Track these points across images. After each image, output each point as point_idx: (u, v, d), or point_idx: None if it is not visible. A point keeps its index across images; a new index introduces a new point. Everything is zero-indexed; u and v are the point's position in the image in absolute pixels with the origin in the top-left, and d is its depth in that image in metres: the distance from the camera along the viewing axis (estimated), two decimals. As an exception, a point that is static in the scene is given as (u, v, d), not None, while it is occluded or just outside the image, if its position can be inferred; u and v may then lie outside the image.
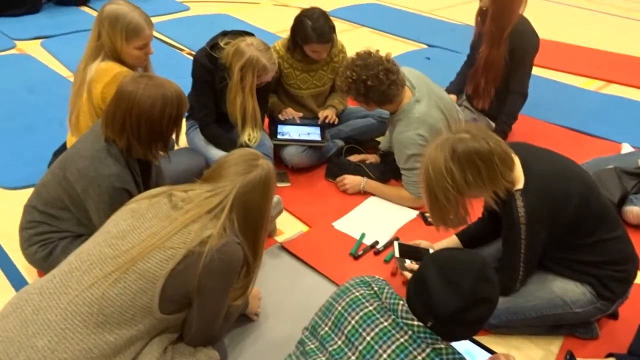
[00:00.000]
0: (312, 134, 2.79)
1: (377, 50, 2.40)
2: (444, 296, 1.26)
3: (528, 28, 2.95)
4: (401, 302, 1.34)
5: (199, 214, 1.43)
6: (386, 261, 2.23)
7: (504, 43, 2.89)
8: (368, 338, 1.30)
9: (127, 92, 1.70)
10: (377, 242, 2.32)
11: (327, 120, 2.80)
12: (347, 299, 1.39)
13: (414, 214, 2.53)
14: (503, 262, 1.82)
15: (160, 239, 1.38)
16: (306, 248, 2.26)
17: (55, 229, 1.88)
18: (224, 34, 2.60)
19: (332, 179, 2.73)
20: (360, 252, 2.25)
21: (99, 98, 2.11)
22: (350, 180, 2.64)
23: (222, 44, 2.51)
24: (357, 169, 2.69)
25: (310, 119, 2.93)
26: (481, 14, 3.07)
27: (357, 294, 1.39)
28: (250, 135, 2.58)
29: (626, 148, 3.10)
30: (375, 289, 1.38)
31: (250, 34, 2.65)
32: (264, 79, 2.50)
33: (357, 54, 2.40)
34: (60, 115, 3.19)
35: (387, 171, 2.74)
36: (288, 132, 2.79)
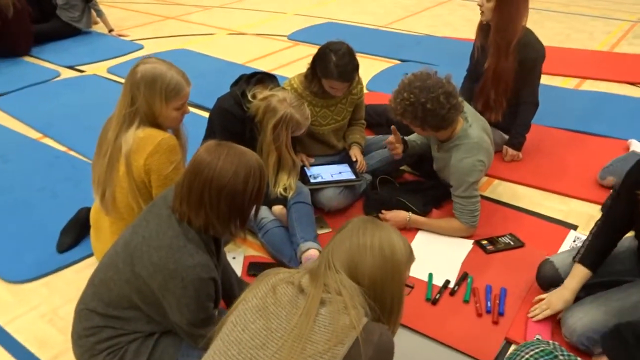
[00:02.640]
0: (344, 172, 2.65)
1: (435, 72, 2.29)
2: None
3: (533, 38, 2.96)
4: None
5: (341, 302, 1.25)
6: (466, 301, 2.11)
7: (511, 54, 2.88)
8: None
9: (206, 163, 1.50)
10: (448, 282, 2.20)
11: (358, 167, 2.67)
12: None
13: (470, 243, 2.43)
14: None
15: (307, 341, 1.20)
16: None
17: (122, 332, 1.63)
18: (247, 80, 2.42)
19: (372, 215, 2.59)
20: (437, 296, 2.12)
21: (141, 171, 1.87)
22: (393, 216, 2.51)
23: (249, 94, 2.33)
24: (398, 203, 2.57)
25: (329, 156, 2.80)
26: (482, 28, 3.06)
27: None
28: (286, 185, 2.41)
29: (635, 145, 3.17)
30: (562, 358, 1.26)
31: (272, 76, 2.48)
32: (297, 134, 2.35)
33: (415, 74, 2.29)
34: (48, 183, 2.89)
35: (429, 202, 2.65)
36: (319, 174, 2.63)
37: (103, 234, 2.07)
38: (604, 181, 2.85)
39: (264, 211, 2.41)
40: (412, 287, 2.08)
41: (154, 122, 1.91)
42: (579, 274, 1.93)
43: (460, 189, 2.38)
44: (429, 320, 2.03)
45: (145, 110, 1.87)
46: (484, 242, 2.43)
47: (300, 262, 2.22)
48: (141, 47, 5.22)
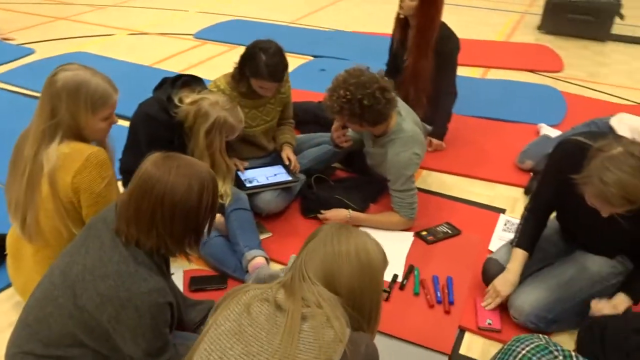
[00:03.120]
0: (279, 174, 2.57)
1: (368, 68, 2.28)
2: None
3: (449, 31, 3.04)
4: None
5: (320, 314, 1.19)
6: (416, 294, 2.13)
7: (430, 52, 2.95)
8: None
9: (156, 178, 1.37)
10: (396, 276, 2.20)
11: (292, 167, 2.60)
12: None
13: (410, 236, 2.46)
14: None
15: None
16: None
17: None
18: (172, 84, 2.26)
19: (311, 216, 2.55)
20: (388, 291, 2.12)
21: (69, 190, 1.68)
22: (334, 215, 2.48)
23: (176, 99, 2.18)
24: (336, 202, 2.54)
25: (260, 158, 2.72)
26: (400, 22, 3.10)
27: None
28: (222, 192, 2.29)
29: (545, 129, 3.37)
30: (560, 357, 1.28)
31: (198, 79, 2.35)
32: (231, 138, 2.24)
33: (348, 71, 2.26)
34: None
35: (366, 198, 2.65)
36: (254, 177, 2.53)
37: (24, 264, 1.85)
38: (523, 165, 3.00)
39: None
40: (388, 292, 2.07)
41: (78, 135, 1.73)
42: (518, 257, 2.02)
43: (398, 182, 2.39)
44: (383, 316, 1.99)
45: (68, 122, 1.69)
46: (424, 233, 2.46)
47: (247, 272, 2.13)
48: (32, 52, 4.78)
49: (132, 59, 4.60)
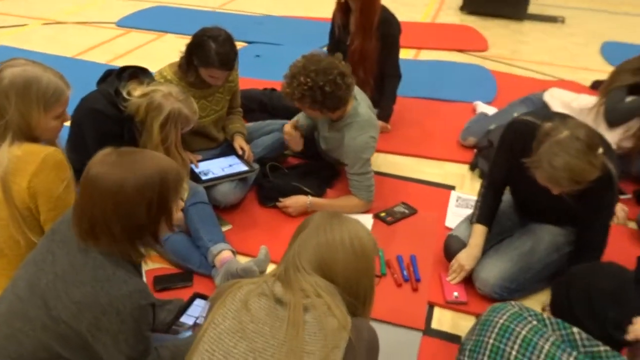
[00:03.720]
0: (234, 164, 2.52)
1: (325, 53, 2.27)
2: None
3: (389, 14, 3.09)
4: (575, 330, 1.33)
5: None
6: (383, 274, 2.17)
7: (374, 34, 2.99)
8: None
9: (91, 177, 1.30)
10: (362, 258, 2.23)
11: (246, 157, 2.55)
12: (518, 341, 1.33)
13: (370, 218, 2.49)
14: (596, 239, 1.92)
15: (301, 353, 1.12)
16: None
17: None
18: (118, 76, 2.14)
19: (270, 205, 2.52)
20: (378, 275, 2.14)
21: (25, 195, 1.56)
22: (293, 202, 2.47)
23: (124, 91, 2.07)
24: (294, 189, 2.53)
25: (211, 150, 2.65)
26: (341, 7, 3.10)
27: (524, 332, 1.35)
28: (179, 186, 2.21)
29: (481, 106, 3.51)
30: (534, 322, 1.34)
31: (145, 70, 2.24)
32: (186, 130, 2.16)
33: (306, 57, 2.24)
34: None
35: (322, 183, 2.65)
36: (209, 170, 2.46)
37: (-25, 277, 1.70)
38: (465, 142, 3.11)
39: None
40: (379, 277, 2.08)
41: (29, 135, 1.60)
42: (478, 232, 2.11)
43: (356, 166, 2.42)
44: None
45: (18, 122, 1.56)
46: (382, 214, 2.51)
47: (214, 267, 2.07)
48: None
49: (51, 50, 4.30)
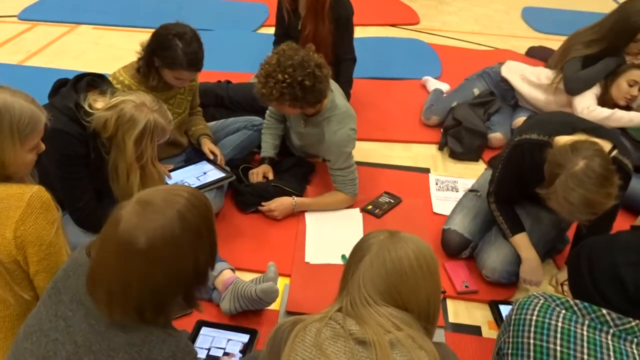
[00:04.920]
0: (209, 171, 2.32)
1: (296, 46, 2.12)
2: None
3: None
4: (604, 312, 1.32)
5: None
6: (388, 271, 2.10)
7: (327, 17, 2.86)
8: None
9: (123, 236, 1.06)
10: (363, 258, 2.15)
11: (218, 161, 2.36)
12: (558, 335, 1.29)
13: (357, 212, 2.41)
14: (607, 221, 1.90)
15: None
16: (314, 299, 1.95)
17: None
18: (73, 87, 1.87)
19: (251, 210, 2.36)
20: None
21: (11, 248, 1.30)
22: (278, 205, 2.32)
23: (86, 105, 1.81)
24: (275, 191, 2.38)
25: (176, 157, 2.43)
26: (290, -8, 2.94)
27: (560, 324, 1.31)
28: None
29: (431, 82, 3.49)
30: (564, 311, 1.31)
31: (102, 77, 1.98)
32: (162, 141, 1.93)
33: (278, 52, 2.08)
34: None
35: (301, 180, 2.52)
36: (184, 181, 2.25)
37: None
38: (429, 121, 3.09)
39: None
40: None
41: (2, 174, 1.34)
42: (521, 242, 2.02)
43: (340, 161, 2.31)
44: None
45: (-10, 161, 1.29)
46: (369, 207, 2.43)
47: (214, 289, 1.90)
48: None
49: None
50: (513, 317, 1.44)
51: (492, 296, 2.02)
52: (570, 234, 2.15)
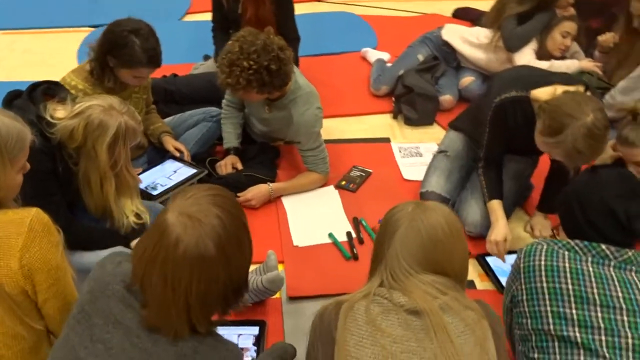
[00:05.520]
0: (179, 169, 2.25)
1: (254, 29, 2.07)
2: None
3: None
4: (603, 247, 1.42)
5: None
6: (377, 243, 2.14)
7: None
8: (620, 295, 1.35)
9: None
10: (350, 233, 2.18)
11: (185, 157, 2.29)
12: (568, 275, 1.39)
13: (332, 189, 2.43)
14: None
15: (460, 356, 1.07)
16: (313, 281, 1.96)
17: None
18: (29, 98, 1.73)
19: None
20: (354, 251, 2.09)
21: (18, 278, 1.20)
22: (256, 194, 2.29)
23: (47, 115, 1.68)
24: (248, 180, 2.34)
25: (139, 158, 2.33)
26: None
27: (567, 265, 1.40)
28: (135, 210, 1.91)
29: (371, 53, 3.53)
30: (567, 252, 1.40)
31: (56, 84, 1.85)
32: (133, 144, 1.85)
33: (238, 40, 2.04)
34: None
35: (270, 166, 2.49)
36: (155, 182, 2.17)
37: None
38: (379, 92, 3.14)
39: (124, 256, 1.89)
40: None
41: (-8, 198, 1.24)
42: (496, 207, 2.07)
43: (310, 141, 2.31)
44: (362, 276, 1.98)
45: (-19, 187, 1.18)
46: (343, 183, 2.45)
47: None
48: None
49: None
50: (522, 265, 1.51)
51: (477, 250, 2.11)
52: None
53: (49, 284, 1.26)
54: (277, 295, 1.92)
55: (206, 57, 3.33)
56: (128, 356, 1.06)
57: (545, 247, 1.50)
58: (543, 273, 1.43)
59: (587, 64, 2.86)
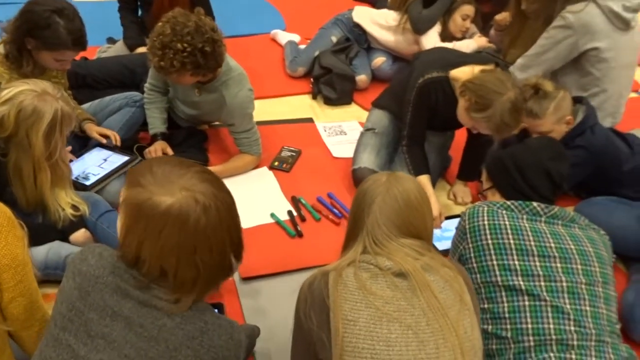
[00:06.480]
0: (110, 157, 2.15)
1: (183, 10, 2.02)
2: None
3: None
4: (535, 204, 1.60)
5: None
6: (318, 219, 2.21)
7: None
8: (553, 245, 1.54)
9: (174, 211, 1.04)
10: (291, 212, 2.22)
11: (116, 142, 2.18)
12: (509, 231, 1.55)
13: (267, 171, 2.45)
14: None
15: (448, 310, 1.18)
16: (263, 261, 1.99)
17: None
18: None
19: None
20: (297, 228, 2.14)
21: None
22: (192, 178, 2.25)
23: None
24: (181, 165, 2.29)
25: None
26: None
27: (507, 222, 1.57)
28: (71, 201, 1.82)
29: (282, 35, 3.56)
30: (504, 211, 1.57)
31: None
32: (68, 131, 1.74)
33: (170, 21, 1.97)
34: None
35: (201, 150, 2.46)
36: (86, 171, 2.05)
37: None
38: (296, 73, 3.19)
39: (62, 249, 1.79)
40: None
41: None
42: (425, 183, 2.20)
43: (244, 123, 2.31)
44: (309, 252, 2.06)
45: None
46: (276, 163, 2.49)
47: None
48: None
49: None
50: (467, 226, 1.66)
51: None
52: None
53: (16, 281, 1.18)
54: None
55: (110, 40, 3.15)
56: (135, 347, 1.04)
57: (486, 208, 1.65)
58: (487, 231, 1.58)
59: (481, 41, 3.11)
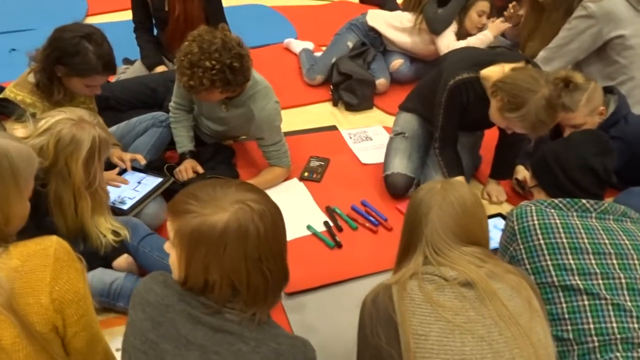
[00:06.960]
0: (144, 179, 2.14)
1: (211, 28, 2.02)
2: None
3: None
4: (584, 201, 1.58)
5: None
6: (355, 228, 2.19)
7: None
8: (606, 241, 1.51)
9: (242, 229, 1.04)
10: (327, 223, 2.20)
11: (127, 167, 2.16)
12: (561, 230, 1.52)
13: (298, 182, 2.43)
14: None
15: (518, 318, 1.15)
16: (305, 274, 1.97)
17: None
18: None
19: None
20: (336, 239, 2.12)
21: (50, 313, 1.09)
22: (224, 196, 2.24)
23: None
24: (213, 182, 2.28)
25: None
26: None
27: (558, 221, 1.54)
28: (112, 227, 1.80)
29: (295, 44, 3.54)
30: (553, 210, 1.54)
31: (7, 101, 1.70)
32: (105, 157, 1.74)
33: (195, 39, 1.96)
34: None
35: (230, 165, 2.44)
36: (122, 196, 2.04)
37: None
38: (314, 81, 3.17)
39: (105, 275, 1.78)
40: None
41: (5, 228, 1.11)
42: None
43: (273, 135, 2.30)
44: (350, 263, 2.04)
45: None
46: (306, 174, 2.47)
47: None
48: None
49: None
50: (516, 227, 1.62)
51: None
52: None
53: (79, 315, 1.16)
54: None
55: (126, 60, 3.15)
56: None
57: (534, 207, 1.62)
58: (538, 231, 1.55)
59: (495, 26, 2.99)
